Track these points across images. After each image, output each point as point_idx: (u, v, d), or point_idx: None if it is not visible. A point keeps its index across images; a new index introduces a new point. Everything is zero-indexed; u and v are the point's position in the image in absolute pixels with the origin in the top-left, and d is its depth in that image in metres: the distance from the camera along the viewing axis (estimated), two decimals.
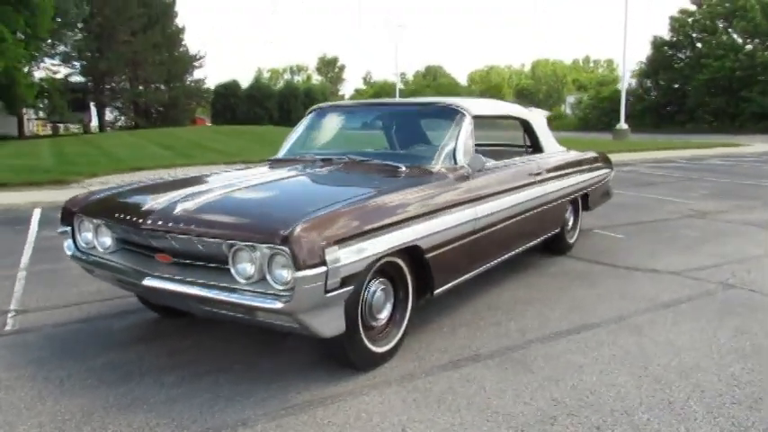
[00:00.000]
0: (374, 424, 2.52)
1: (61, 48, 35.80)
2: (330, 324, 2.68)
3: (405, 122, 4.30)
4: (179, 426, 2.52)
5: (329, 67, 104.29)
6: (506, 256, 4.23)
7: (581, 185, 5.42)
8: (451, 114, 4.00)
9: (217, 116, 43.53)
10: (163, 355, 3.27)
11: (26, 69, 30.69)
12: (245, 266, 2.63)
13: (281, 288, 2.52)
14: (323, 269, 2.51)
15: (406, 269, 3.18)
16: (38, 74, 34.21)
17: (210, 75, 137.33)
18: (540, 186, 4.54)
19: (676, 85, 39.56)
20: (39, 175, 10.88)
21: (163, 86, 44.31)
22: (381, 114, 4.48)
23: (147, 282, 2.86)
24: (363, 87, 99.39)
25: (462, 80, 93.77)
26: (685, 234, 6.31)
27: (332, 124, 4.58)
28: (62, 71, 37.27)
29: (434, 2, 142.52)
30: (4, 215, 8.04)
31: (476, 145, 5.16)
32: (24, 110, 35.52)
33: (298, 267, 2.45)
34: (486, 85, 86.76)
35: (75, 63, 38.76)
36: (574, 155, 5.52)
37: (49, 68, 35.00)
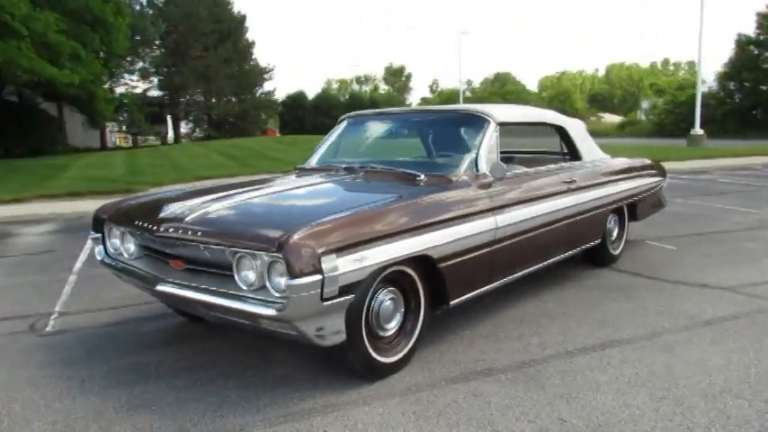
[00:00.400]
0: None
1: (140, 64, 37.83)
2: (329, 332, 2.67)
3: (429, 130, 4.26)
4: (180, 428, 2.58)
5: (396, 76, 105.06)
6: (535, 267, 4.09)
7: (626, 194, 5.19)
8: (475, 121, 3.93)
9: (285, 126, 44.72)
10: (181, 358, 3.36)
11: (108, 85, 32.72)
12: (247, 274, 2.67)
13: (278, 295, 2.54)
14: (318, 277, 2.51)
15: (417, 279, 3.13)
16: (119, 89, 36.41)
17: (282, 86, 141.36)
18: (575, 195, 4.37)
19: (764, 87, 37.02)
20: (107, 184, 11.50)
21: (234, 99, 45.99)
22: (407, 122, 4.45)
23: (160, 287, 2.95)
24: (430, 96, 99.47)
25: (532, 86, 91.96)
26: (748, 247, 5.91)
27: (361, 133, 4.59)
28: (141, 86, 39.38)
29: (505, 8, 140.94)
30: (71, 223, 8.55)
31: (511, 152, 5.12)
32: (107, 123, 37.81)
33: (292, 275, 2.46)
34: (556, 90, 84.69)
35: (153, 78, 40.87)
36: (618, 162, 5.30)
37: (128, 84, 37.03)
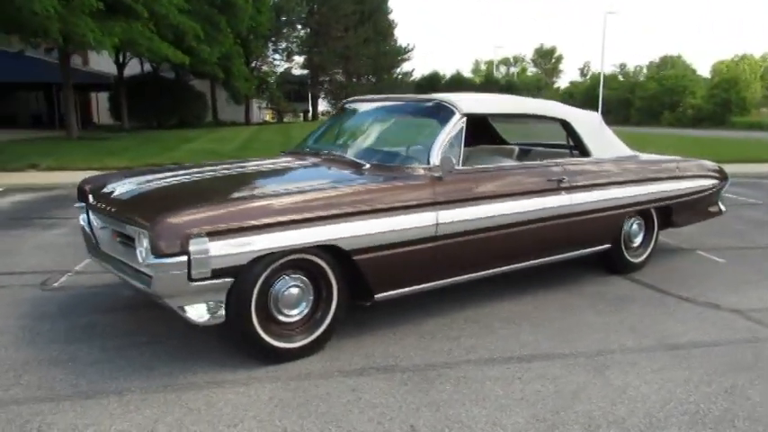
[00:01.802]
0: (220, 413, 2.57)
1: (284, 44, 40.02)
2: (204, 312, 2.78)
3: (400, 119, 4.14)
4: (74, 384, 2.84)
5: (545, 58, 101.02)
6: (504, 268, 3.88)
7: (654, 197, 4.68)
8: (440, 111, 3.77)
9: None
10: (131, 322, 3.65)
11: (254, 64, 35.08)
12: (141, 250, 2.85)
13: (148, 271, 2.70)
14: (183, 258, 2.62)
15: (328, 269, 3.13)
16: (265, 68, 38.88)
17: (424, 67, 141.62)
18: (566, 195, 4.04)
19: None
20: (211, 157, 12.46)
21: (372, 78, 47.13)
22: (385, 110, 4.34)
23: (93, 255, 3.25)
24: (579, 79, 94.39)
25: (704, 71, 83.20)
26: None
27: (349, 120, 4.58)
28: (285, 65, 41.74)
29: None
30: None
31: (527, 145, 4.84)
32: (256, 100, 40.64)
33: (156, 253, 2.61)
34: (731, 75, 75.81)
35: (298, 58, 43.12)
36: (646, 161, 4.79)
37: (272, 62, 39.40)
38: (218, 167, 3.91)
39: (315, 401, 2.69)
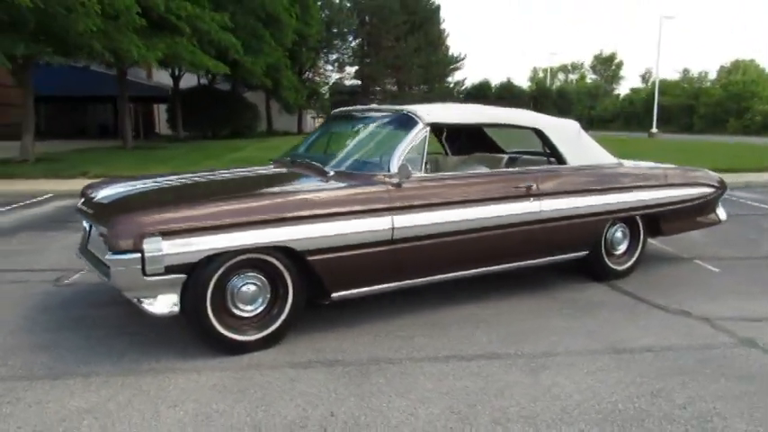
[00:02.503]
0: (166, 395, 2.84)
1: (336, 55, 40.91)
2: (160, 305, 3.07)
3: (372, 129, 4.30)
4: (50, 367, 3.17)
5: (605, 64, 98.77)
6: (468, 272, 4.02)
7: (637, 205, 4.70)
8: (403, 121, 3.97)
9: None
10: (124, 316, 3.99)
11: (306, 75, 36.00)
12: (105, 247, 3.16)
13: (107, 267, 3.01)
14: (137, 255, 2.92)
15: (283, 268, 3.36)
16: (317, 79, 39.80)
17: (483, 75, 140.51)
18: (536, 201, 4.14)
19: None
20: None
21: (424, 88, 47.48)
22: (360, 121, 4.54)
23: (81, 253, 3.60)
24: (641, 86, 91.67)
25: None
26: None
27: (331, 129, 4.82)
28: (337, 76, 42.60)
29: None
30: None
31: (513, 152, 4.97)
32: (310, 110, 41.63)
33: (112, 250, 2.92)
34: None
35: (350, 68, 43.93)
36: (627, 168, 4.80)
37: (323, 74, 40.29)
38: (204, 174, 4.23)
39: (253, 389, 2.93)
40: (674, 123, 60.29)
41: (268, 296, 3.40)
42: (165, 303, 3.09)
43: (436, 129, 3.84)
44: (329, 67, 41.68)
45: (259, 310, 3.37)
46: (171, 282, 3.05)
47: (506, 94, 41.73)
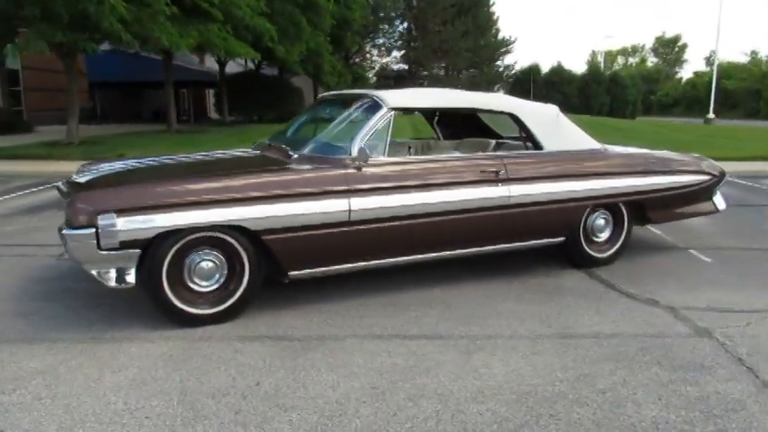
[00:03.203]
0: (115, 361, 3.05)
1: (382, 39, 40.89)
2: (114, 277, 3.28)
3: (344, 113, 4.37)
4: (22, 332, 3.44)
5: (668, 47, 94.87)
6: (432, 255, 4.08)
7: (620, 191, 4.62)
8: (369, 105, 4.05)
9: None
10: (107, 289, 4.23)
11: (351, 60, 36.16)
12: None
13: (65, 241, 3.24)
14: (91, 230, 3.13)
15: (239, 246, 3.52)
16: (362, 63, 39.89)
17: (537, 58, 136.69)
18: (505, 186, 4.15)
19: None
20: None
21: (474, 71, 47.00)
22: (335, 104, 4.62)
23: (58, 232, 3.86)
24: (705, 69, 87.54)
25: None
26: None
27: (312, 114, 4.93)
28: (383, 60, 42.58)
29: None
30: None
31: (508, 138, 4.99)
32: None
33: (68, 225, 3.14)
34: None
35: (396, 53, 43.86)
36: (610, 154, 4.73)
37: (369, 58, 40.37)
38: (182, 157, 4.43)
39: (196, 358, 3.10)
40: (739, 108, 57.44)
41: (225, 273, 3.56)
42: (119, 276, 3.29)
43: (411, 113, 3.90)
44: (375, 52, 41.69)
45: (215, 286, 3.55)
46: (126, 256, 3.25)
47: (556, 79, 40.74)
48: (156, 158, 4.45)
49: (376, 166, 3.81)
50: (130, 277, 3.32)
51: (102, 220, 3.15)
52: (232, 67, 28.00)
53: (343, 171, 3.71)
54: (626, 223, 4.82)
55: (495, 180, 4.13)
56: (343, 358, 3.11)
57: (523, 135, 4.53)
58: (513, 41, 48.83)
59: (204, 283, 3.52)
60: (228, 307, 3.57)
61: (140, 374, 2.92)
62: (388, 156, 3.96)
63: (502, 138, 5.51)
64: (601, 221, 4.72)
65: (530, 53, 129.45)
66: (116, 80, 30.87)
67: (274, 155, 4.14)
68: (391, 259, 3.97)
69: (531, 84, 40.35)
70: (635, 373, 2.94)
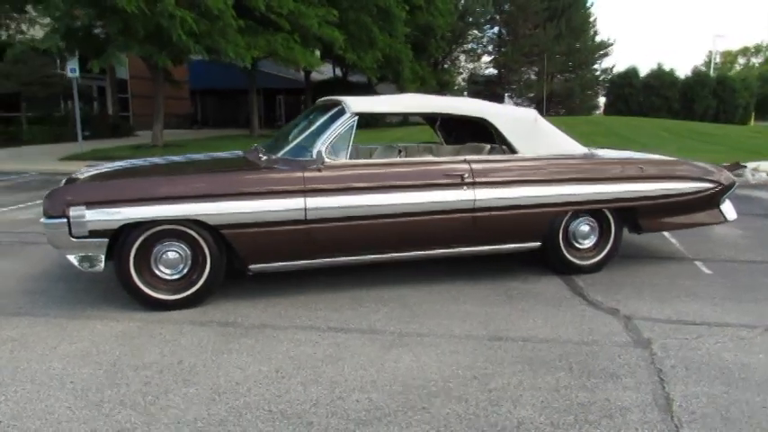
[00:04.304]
0: (75, 336, 3.46)
1: (470, 45, 40.68)
2: (88, 262, 3.71)
3: (315, 118, 4.56)
4: (20, 307, 3.96)
5: None
6: (393, 255, 4.21)
7: (603, 198, 4.52)
8: (335, 111, 4.26)
9: (610, 107, 42.29)
10: (111, 274, 4.75)
11: (440, 66, 36.31)
12: None
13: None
14: (63, 220, 3.58)
15: (201, 239, 3.85)
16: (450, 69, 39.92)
17: (638, 62, 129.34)
18: (470, 190, 4.21)
19: None
20: None
21: (572, 75, 45.65)
22: (317, 110, 4.82)
23: None
24: None
25: None
26: None
27: (303, 118, 5.17)
28: (472, 65, 42.34)
29: None
30: None
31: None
32: None
33: (45, 216, 3.61)
34: None
35: (486, 57, 43.47)
36: (595, 160, 4.62)
37: (456, 64, 40.30)
38: (171, 158, 4.88)
39: (143, 337, 3.46)
40: None
41: (189, 263, 3.91)
42: (90, 261, 3.72)
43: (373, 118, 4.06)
44: (464, 57, 41.52)
45: (179, 275, 3.90)
46: (96, 244, 3.67)
47: (655, 83, 38.52)
48: (150, 160, 4.92)
49: (335, 168, 4.01)
50: (100, 262, 3.74)
51: (72, 212, 3.59)
52: (322, 75, 29.08)
53: (301, 172, 3.95)
54: (613, 231, 4.70)
55: (460, 184, 4.20)
56: (271, 345, 3.34)
57: (498, 139, 4.55)
58: (612, 44, 46.91)
59: (168, 272, 3.88)
60: (191, 294, 3.90)
61: (89, 347, 3.31)
62: (362, 158, 4.15)
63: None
64: (585, 228, 4.63)
65: (630, 56, 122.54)
66: (215, 87, 33.01)
67: (251, 157, 4.46)
68: (351, 258, 4.15)
69: (627, 88, 38.46)
70: (536, 376, 2.94)
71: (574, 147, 4.68)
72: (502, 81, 43.46)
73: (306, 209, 3.90)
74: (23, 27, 13.97)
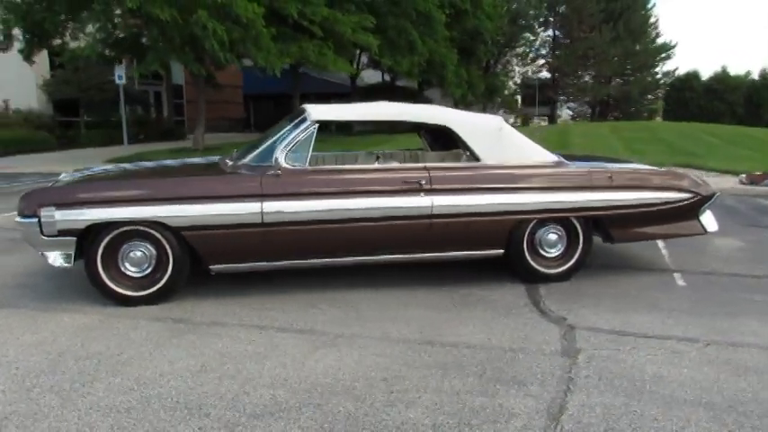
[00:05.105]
0: (41, 326, 3.76)
1: (522, 48, 40.14)
2: (57, 259, 4.01)
3: (283, 124, 4.69)
4: (8, 300, 4.33)
5: None
6: (351, 259, 4.35)
7: (569, 206, 4.51)
8: (299, 118, 4.43)
9: (669, 112, 40.73)
10: None
11: (493, 70, 36.04)
12: None
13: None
14: (34, 220, 3.90)
15: (163, 240, 4.10)
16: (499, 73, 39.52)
17: (704, 65, 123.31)
18: (427, 196, 4.28)
19: None
20: None
21: (630, 79, 44.45)
22: (290, 116, 4.97)
23: None
24: None
25: None
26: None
27: (278, 125, 5.33)
28: (524, 69, 41.79)
29: None
30: None
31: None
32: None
33: (19, 215, 3.94)
34: None
35: (540, 61, 42.80)
36: (564, 168, 4.60)
37: (507, 68, 39.86)
38: (146, 163, 5.20)
39: (100, 330, 3.72)
40: None
41: (154, 262, 4.16)
42: (60, 257, 4.03)
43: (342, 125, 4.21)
44: (515, 61, 41.04)
45: (143, 273, 4.15)
46: (64, 242, 3.97)
47: (718, 86, 36.85)
48: (141, 164, 5.24)
49: (293, 174, 4.18)
50: (68, 259, 4.04)
51: (43, 212, 3.90)
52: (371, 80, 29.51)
53: (260, 177, 4.14)
54: (581, 240, 4.65)
55: (417, 190, 4.28)
56: (210, 342, 3.53)
57: (461, 147, 4.60)
58: (674, 46, 45.23)
59: (133, 269, 4.15)
60: (154, 292, 4.15)
61: (48, 337, 3.60)
62: (326, 164, 4.31)
63: None
64: (552, 236, 4.62)
65: (694, 58, 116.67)
66: (266, 92, 33.90)
67: (221, 163, 4.68)
68: (309, 261, 4.31)
69: (687, 92, 37.04)
70: (444, 380, 3.01)
71: (542, 155, 4.67)
72: (555, 85, 42.66)
73: (263, 213, 4.08)
74: (78, 35, 14.84)
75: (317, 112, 4.38)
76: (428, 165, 4.46)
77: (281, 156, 4.19)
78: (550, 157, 4.69)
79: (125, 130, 16.10)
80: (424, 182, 4.29)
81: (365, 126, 23.78)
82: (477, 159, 4.52)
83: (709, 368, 3.16)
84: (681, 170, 5.18)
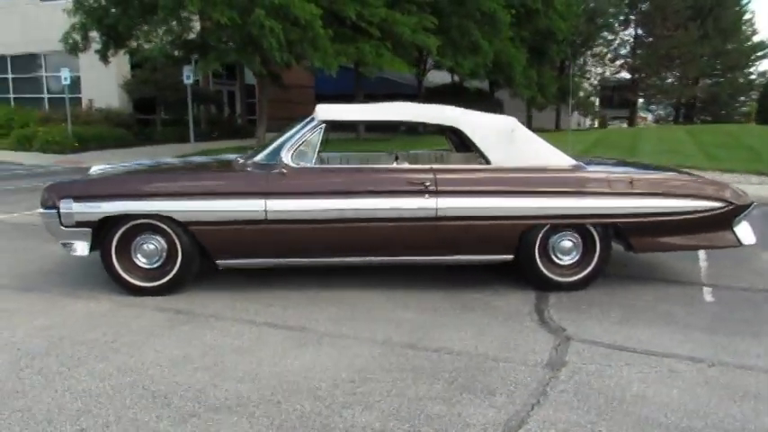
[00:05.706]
0: (51, 310, 3.99)
1: (599, 48, 38.64)
2: (76, 248, 4.25)
3: (294, 124, 4.71)
4: (24, 284, 4.63)
5: None
6: (353, 259, 4.35)
7: (585, 212, 4.31)
8: (309, 118, 4.46)
9: (763, 114, 37.85)
10: None
11: (570, 71, 34.93)
12: None
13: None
14: (53, 211, 4.14)
15: (173, 234, 4.25)
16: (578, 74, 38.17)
17: None
18: (432, 199, 4.21)
19: None
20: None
21: (711, 80, 42.00)
22: (304, 116, 5.01)
23: None
24: None
25: None
26: None
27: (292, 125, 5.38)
28: (602, 69, 40.21)
29: None
30: None
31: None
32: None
33: (41, 206, 4.20)
34: None
35: (618, 61, 41.03)
36: (582, 173, 4.39)
37: (583, 68, 38.39)
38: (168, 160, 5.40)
39: (105, 317, 3.90)
40: None
41: (164, 255, 4.32)
42: (79, 247, 4.26)
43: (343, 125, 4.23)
44: (591, 61, 39.50)
45: (154, 265, 4.32)
46: (81, 233, 4.20)
47: None
48: (164, 161, 5.46)
49: (298, 173, 4.23)
50: (85, 249, 4.26)
51: (63, 204, 4.14)
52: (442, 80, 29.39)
53: (266, 175, 4.21)
54: (598, 248, 4.43)
55: (423, 192, 4.22)
56: (200, 334, 3.63)
57: (472, 149, 4.50)
58: None
59: (146, 261, 4.33)
60: (164, 283, 4.32)
61: (57, 322, 3.82)
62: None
63: None
64: (566, 243, 4.43)
65: None
66: (335, 92, 34.41)
67: (234, 162, 4.79)
68: (313, 259, 4.34)
69: None
70: (412, 386, 2.95)
71: (558, 158, 4.49)
72: (635, 86, 40.76)
73: (266, 210, 4.15)
74: (150, 37, 15.63)
75: (325, 112, 4.41)
76: (434, 166, 4.38)
77: (286, 155, 4.25)
78: (567, 161, 4.49)
79: (191, 127, 16.84)
80: (428, 183, 4.22)
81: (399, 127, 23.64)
82: (488, 161, 4.40)
83: (703, 390, 2.93)
84: (722, 178, 4.78)
